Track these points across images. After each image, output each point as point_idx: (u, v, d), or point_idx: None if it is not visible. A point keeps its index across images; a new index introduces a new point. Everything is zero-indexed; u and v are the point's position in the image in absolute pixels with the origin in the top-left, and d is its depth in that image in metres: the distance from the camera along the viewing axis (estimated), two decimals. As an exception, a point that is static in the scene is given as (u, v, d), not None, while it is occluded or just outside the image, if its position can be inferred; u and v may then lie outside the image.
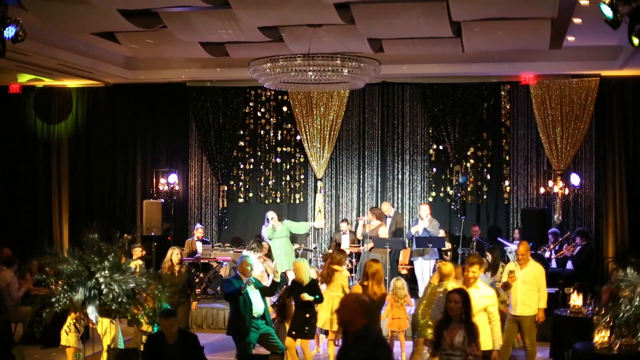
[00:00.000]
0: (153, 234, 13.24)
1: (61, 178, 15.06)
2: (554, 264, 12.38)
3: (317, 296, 8.54)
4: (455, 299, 5.86)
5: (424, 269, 11.84)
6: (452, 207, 13.74)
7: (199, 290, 12.44)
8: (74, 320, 7.72)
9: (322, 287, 9.04)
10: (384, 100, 14.13)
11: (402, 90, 14.09)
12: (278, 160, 14.53)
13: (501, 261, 10.66)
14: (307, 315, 8.59)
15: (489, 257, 10.21)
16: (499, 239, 12.82)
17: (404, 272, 13.08)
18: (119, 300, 6.94)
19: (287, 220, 12.85)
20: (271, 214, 12.47)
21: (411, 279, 13.21)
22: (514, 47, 11.73)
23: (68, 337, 8.21)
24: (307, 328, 8.58)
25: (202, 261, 12.81)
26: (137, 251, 10.63)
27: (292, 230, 12.70)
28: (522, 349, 8.86)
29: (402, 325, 9.39)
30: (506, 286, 8.44)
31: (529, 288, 8.42)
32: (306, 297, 8.38)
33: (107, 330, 8.07)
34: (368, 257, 11.80)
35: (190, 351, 6.38)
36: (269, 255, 11.91)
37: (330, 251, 10.87)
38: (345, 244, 12.76)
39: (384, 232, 12.15)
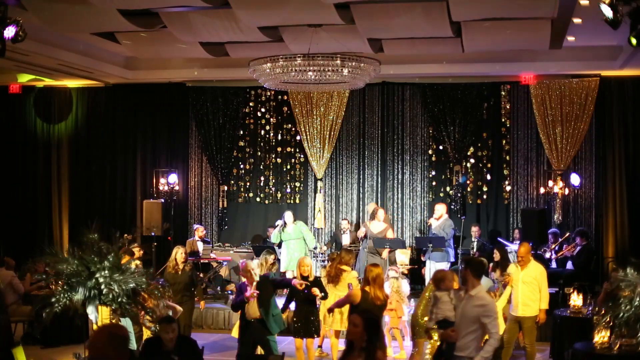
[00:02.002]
0: (153, 234, 13.24)
1: (61, 178, 15.06)
2: (554, 264, 12.38)
3: (322, 293, 8.62)
4: (355, 321, 4.97)
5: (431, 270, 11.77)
6: (452, 207, 13.73)
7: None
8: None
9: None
10: (384, 100, 14.13)
11: (402, 90, 14.09)
12: (278, 160, 14.53)
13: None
14: (312, 317, 8.68)
15: (497, 255, 10.19)
16: (499, 239, 12.81)
17: (404, 271, 13.08)
18: (119, 300, 6.95)
19: (301, 223, 12.66)
20: (288, 216, 12.37)
21: (412, 279, 13.24)
22: (514, 47, 11.73)
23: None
24: (313, 327, 8.69)
25: (202, 261, 12.81)
26: (135, 251, 10.63)
27: (304, 236, 12.57)
28: (521, 350, 8.87)
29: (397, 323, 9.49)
30: (504, 287, 8.48)
31: (530, 289, 8.43)
32: (317, 292, 8.41)
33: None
34: (367, 258, 11.84)
35: (188, 356, 6.35)
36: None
37: (338, 252, 10.83)
38: (346, 243, 12.73)
39: (391, 235, 12.14)
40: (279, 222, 12.39)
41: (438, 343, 6.78)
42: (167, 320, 6.62)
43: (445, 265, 11.66)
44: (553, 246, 12.34)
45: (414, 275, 13.09)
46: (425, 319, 7.80)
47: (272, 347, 8.05)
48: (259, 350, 8.23)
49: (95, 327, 7.40)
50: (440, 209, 12.05)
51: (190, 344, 6.53)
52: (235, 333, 9.55)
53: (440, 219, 11.97)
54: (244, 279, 8.28)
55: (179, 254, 9.73)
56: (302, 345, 8.70)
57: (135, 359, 6.70)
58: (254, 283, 8.07)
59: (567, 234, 12.53)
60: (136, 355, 6.87)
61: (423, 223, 13.90)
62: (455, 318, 6.06)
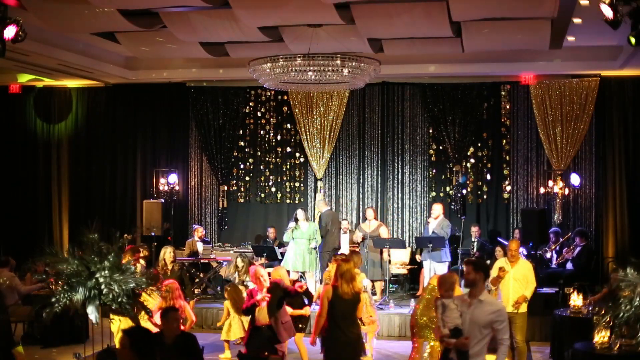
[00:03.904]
0: (153, 234, 13.24)
1: (61, 178, 15.06)
2: (554, 264, 12.38)
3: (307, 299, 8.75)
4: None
5: (433, 270, 11.74)
6: (452, 207, 13.74)
7: (199, 290, 12.45)
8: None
9: None
10: (384, 100, 14.13)
11: (402, 90, 14.09)
12: (278, 160, 14.53)
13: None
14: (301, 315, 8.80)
15: (500, 254, 10.21)
16: (498, 239, 12.82)
17: (404, 271, 13.10)
18: (119, 300, 6.95)
19: (314, 223, 12.48)
20: (301, 214, 12.18)
21: (411, 279, 13.26)
22: (514, 47, 11.73)
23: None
24: (301, 325, 8.79)
25: (202, 261, 12.81)
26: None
27: (313, 235, 12.45)
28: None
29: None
30: (497, 279, 8.53)
31: (520, 286, 8.53)
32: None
33: (120, 328, 8.13)
34: (368, 257, 11.85)
35: (188, 351, 6.36)
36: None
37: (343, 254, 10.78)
38: (345, 243, 12.73)
39: (384, 232, 12.14)
40: (292, 224, 12.22)
41: (439, 348, 6.58)
42: (171, 309, 6.64)
43: (445, 265, 11.67)
44: (554, 246, 12.34)
45: (413, 276, 13.12)
46: (425, 319, 7.80)
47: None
48: None
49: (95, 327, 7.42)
50: (438, 208, 12.04)
51: (190, 339, 6.55)
52: (225, 336, 9.52)
53: (437, 219, 11.96)
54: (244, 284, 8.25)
55: (167, 254, 9.76)
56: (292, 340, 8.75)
57: None
58: (264, 289, 7.94)
59: (568, 235, 12.52)
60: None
61: (423, 223, 13.89)
62: (463, 325, 5.75)
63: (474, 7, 9.51)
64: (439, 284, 6.15)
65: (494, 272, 8.75)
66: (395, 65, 12.34)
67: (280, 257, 12.69)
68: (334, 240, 12.38)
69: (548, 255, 12.34)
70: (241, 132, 14.58)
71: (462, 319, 5.74)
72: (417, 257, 12.56)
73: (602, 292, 9.75)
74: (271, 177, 14.56)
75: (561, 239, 12.44)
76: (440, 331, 5.86)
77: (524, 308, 8.56)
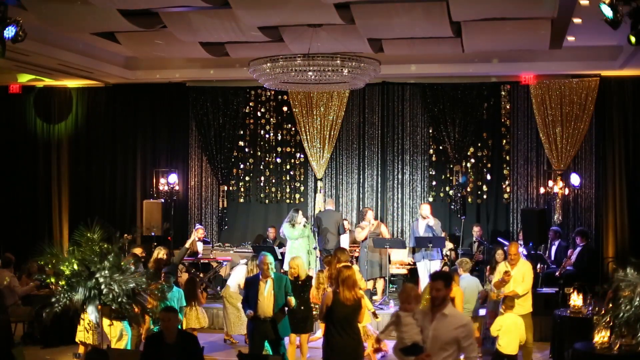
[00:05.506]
0: (153, 234, 13.24)
1: (61, 178, 15.06)
2: (556, 274, 12.38)
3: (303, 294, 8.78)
4: None
5: (428, 269, 11.76)
6: (452, 207, 13.74)
7: (199, 289, 12.41)
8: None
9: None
10: (384, 100, 14.13)
11: (402, 90, 14.09)
12: (278, 160, 14.53)
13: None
14: (307, 313, 8.79)
15: (501, 256, 10.22)
16: (499, 238, 12.82)
17: (404, 271, 13.09)
18: (119, 300, 6.96)
19: (309, 224, 12.40)
20: (300, 217, 12.10)
21: (411, 279, 13.24)
22: (514, 47, 11.73)
23: (87, 335, 8.18)
24: (308, 323, 8.84)
25: (202, 261, 12.81)
26: (138, 251, 10.62)
27: (304, 234, 12.43)
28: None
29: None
30: (502, 283, 8.56)
31: (522, 287, 8.59)
32: (292, 302, 8.34)
33: (121, 333, 8.13)
34: (368, 258, 11.84)
35: (189, 351, 6.38)
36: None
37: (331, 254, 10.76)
38: (345, 244, 12.72)
39: (385, 232, 12.13)
40: (302, 220, 12.13)
41: None
42: (165, 309, 6.66)
43: (439, 263, 11.67)
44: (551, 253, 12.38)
45: (414, 275, 13.11)
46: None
47: (281, 349, 8.04)
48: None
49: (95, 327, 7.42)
50: (427, 208, 12.00)
51: (191, 339, 6.57)
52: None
53: (430, 218, 11.90)
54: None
55: (160, 254, 9.74)
56: (295, 340, 8.82)
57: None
58: (269, 280, 7.97)
59: (569, 251, 12.41)
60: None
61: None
62: (425, 341, 5.22)
63: (474, 7, 9.52)
64: (399, 293, 5.65)
65: (497, 276, 8.78)
66: (395, 65, 12.33)
67: (280, 257, 12.67)
68: (325, 241, 12.37)
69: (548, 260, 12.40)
70: (241, 132, 14.58)
71: (424, 335, 5.22)
72: (410, 259, 12.54)
73: (609, 296, 9.73)
74: (271, 177, 14.56)
75: (559, 240, 12.47)
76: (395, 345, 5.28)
77: (526, 309, 8.59)
